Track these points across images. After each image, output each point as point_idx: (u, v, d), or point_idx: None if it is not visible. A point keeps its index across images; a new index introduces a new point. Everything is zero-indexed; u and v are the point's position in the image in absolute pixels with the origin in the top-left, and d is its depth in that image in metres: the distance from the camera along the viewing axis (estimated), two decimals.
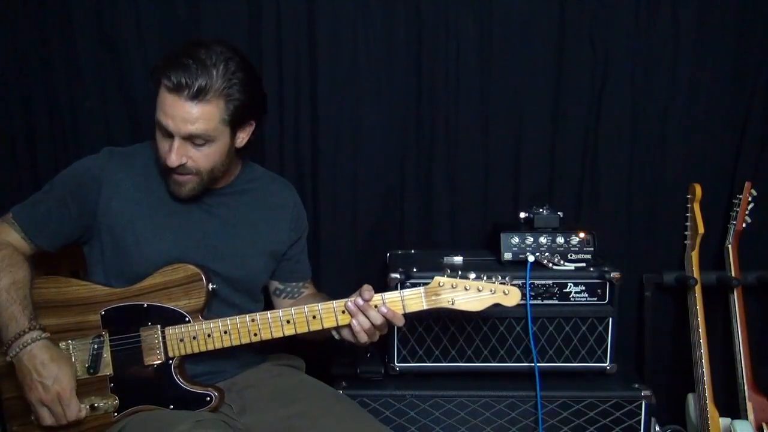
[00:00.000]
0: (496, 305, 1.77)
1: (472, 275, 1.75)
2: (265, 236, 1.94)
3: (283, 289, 2.04)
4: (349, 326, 1.75)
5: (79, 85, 2.47)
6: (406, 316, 1.76)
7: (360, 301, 1.72)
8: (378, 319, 1.73)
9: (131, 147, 1.93)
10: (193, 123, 1.68)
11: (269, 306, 2.01)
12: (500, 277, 1.77)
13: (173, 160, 1.71)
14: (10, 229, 1.81)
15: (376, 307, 1.73)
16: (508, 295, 1.76)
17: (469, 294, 1.75)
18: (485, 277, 1.76)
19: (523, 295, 1.80)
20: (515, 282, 1.77)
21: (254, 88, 1.78)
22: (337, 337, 1.81)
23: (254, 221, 1.93)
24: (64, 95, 2.48)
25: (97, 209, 1.80)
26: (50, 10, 2.43)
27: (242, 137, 1.83)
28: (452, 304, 1.75)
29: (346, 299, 1.74)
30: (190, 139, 1.71)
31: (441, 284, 1.75)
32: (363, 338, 1.75)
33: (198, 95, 1.66)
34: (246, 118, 1.79)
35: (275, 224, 1.97)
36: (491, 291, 1.75)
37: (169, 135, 1.71)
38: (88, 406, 1.73)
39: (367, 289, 1.73)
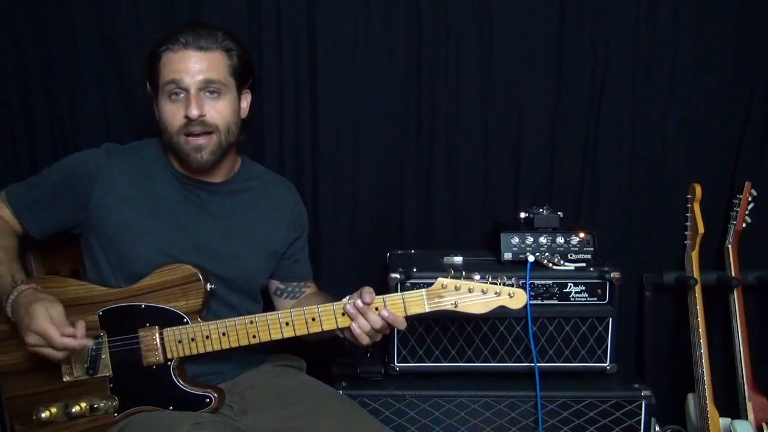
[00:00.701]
0: (501, 308, 1.73)
1: (477, 276, 1.71)
2: (263, 236, 1.94)
3: (284, 288, 2.04)
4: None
5: (79, 85, 2.47)
6: (406, 318, 1.73)
7: (359, 304, 1.69)
8: (378, 323, 1.70)
9: (129, 145, 1.94)
10: (206, 70, 1.77)
11: (269, 307, 2.00)
12: (505, 279, 1.72)
13: (194, 110, 1.75)
14: (2, 205, 1.84)
15: (377, 309, 1.70)
16: (514, 298, 1.71)
17: (474, 296, 1.71)
18: (490, 278, 1.72)
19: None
20: (520, 284, 1.73)
21: (245, 49, 1.88)
22: (340, 335, 1.80)
23: (252, 221, 1.93)
24: (64, 95, 2.48)
25: (89, 204, 1.80)
26: (50, 10, 2.43)
27: (244, 105, 1.90)
28: (455, 306, 1.71)
29: (345, 300, 1.72)
30: (205, 87, 1.77)
31: (444, 286, 1.71)
32: (364, 340, 1.73)
33: (203, 48, 1.77)
34: (244, 78, 1.87)
35: (274, 224, 1.97)
36: (496, 293, 1.71)
37: (181, 95, 1.77)
38: (88, 406, 1.73)
39: (367, 291, 1.71)
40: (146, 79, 1.86)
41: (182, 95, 1.77)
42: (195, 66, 1.76)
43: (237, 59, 1.83)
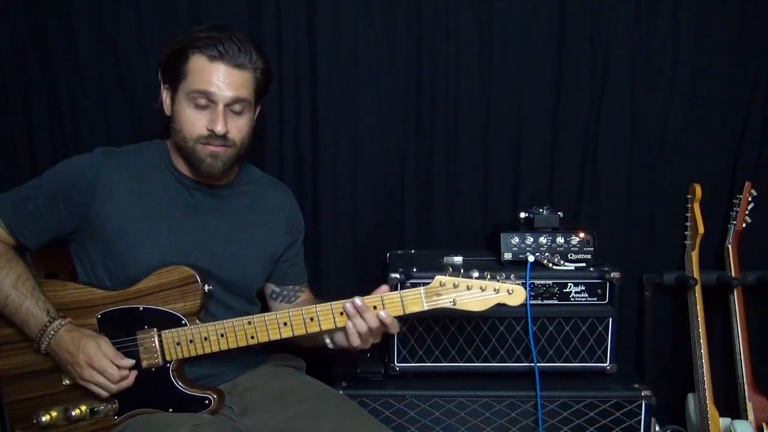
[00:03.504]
0: (500, 305, 1.72)
1: (475, 273, 1.71)
2: (260, 240, 1.94)
3: (280, 292, 2.05)
4: (341, 330, 1.73)
5: (79, 85, 2.47)
6: (406, 317, 1.73)
7: (358, 302, 1.69)
8: (374, 322, 1.70)
9: (125, 148, 1.92)
10: (237, 88, 1.77)
11: (266, 309, 2.00)
12: (504, 276, 1.71)
13: (221, 127, 1.76)
14: None
15: (375, 308, 1.70)
16: (513, 295, 1.69)
17: (472, 293, 1.70)
18: (488, 276, 1.71)
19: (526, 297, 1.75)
20: (519, 281, 1.72)
21: (270, 66, 1.88)
22: (330, 345, 1.80)
23: (250, 224, 1.93)
24: (64, 95, 2.47)
25: (89, 212, 1.79)
26: (50, 9, 2.42)
27: (254, 117, 1.91)
28: (454, 304, 1.70)
29: (344, 300, 1.72)
30: (232, 104, 1.78)
31: (442, 284, 1.70)
32: (356, 342, 1.72)
33: (239, 65, 1.77)
34: (263, 93, 1.89)
35: (271, 227, 1.97)
36: (495, 290, 1.69)
37: (207, 105, 1.76)
38: (88, 410, 1.74)
39: (384, 288, 1.73)
40: (161, 68, 1.84)
41: (207, 105, 1.77)
42: (227, 81, 1.76)
43: (261, 76, 1.84)
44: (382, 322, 1.70)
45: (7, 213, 1.80)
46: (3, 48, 2.46)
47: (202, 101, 1.76)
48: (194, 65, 1.76)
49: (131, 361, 1.73)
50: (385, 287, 1.74)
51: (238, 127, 1.81)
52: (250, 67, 1.79)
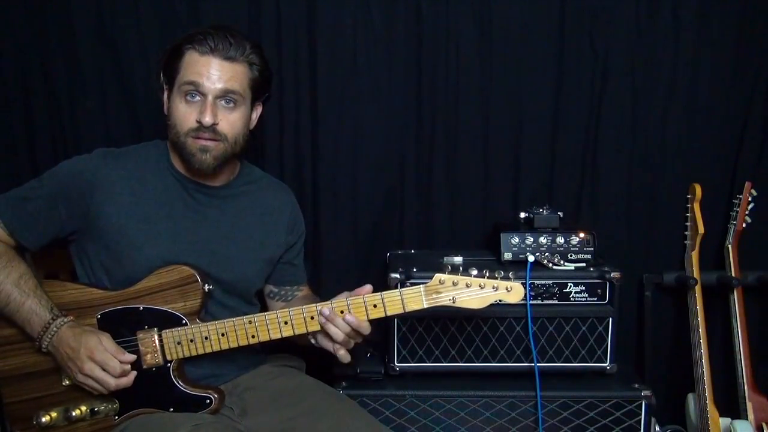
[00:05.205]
0: (499, 302, 1.72)
1: (474, 272, 1.70)
2: (260, 241, 1.94)
3: (277, 292, 2.05)
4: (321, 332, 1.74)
5: (79, 85, 2.47)
6: (406, 315, 1.73)
7: (326, 311, 1.69)
8: (345, 327, 1.69)
9: (125, 148, 1.91)
10: (228, 80, 1.77)
11: (265, 310, 2.00)
12: (502, 273, 1.71)
13: (208, 118, 1.75)
14: None
15: (342, 312, 1.70)
16: (511, 292, 1.70)
17: (471, 291, 1.70)
18: (487, 274, 1.71)
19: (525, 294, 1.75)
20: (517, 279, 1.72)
21: (267, 65, 1.88)
22: (314, 342, 1.79)
23: (250, 225, 1.93)
24: (64, 95, 2.47)
25: (89, 213, 1.79)
26: (50, 10, 2.43)
27: (254, 116, 1.90)
28: (453, 302, 1.70)
29: (344, 299, 1.72)
30: (223, 96, 1.77)
31: (441, 281, 1.70)
32: (343, 355, 1.73)
33: (229, 58, 1.77)
34: (261, 92, 1.88)
35: (271, 229, 1.97)
36: (494, 288, 1.69)
37: (198, 99, 1.76)
38: (88, 410, 1.74)
39: (366, 289, 1.71)
40: (161, 69, 1.85)
41: (198, 98, 1.77)
42: (217, 73, 1.76)
43: (258, 73, 1.83)
44: (350, 326, 1.69)
45: (7, 214, 1.80)
46: (3, 48, 2.46)
47: (194, 94, 1.76)
48: (187, 59, 1.77)
49: (133, 357, 1.72)
50: (368, 287, 1.72)
51: (229, 122, 1.79)
52: (243, 61, 1.79)
